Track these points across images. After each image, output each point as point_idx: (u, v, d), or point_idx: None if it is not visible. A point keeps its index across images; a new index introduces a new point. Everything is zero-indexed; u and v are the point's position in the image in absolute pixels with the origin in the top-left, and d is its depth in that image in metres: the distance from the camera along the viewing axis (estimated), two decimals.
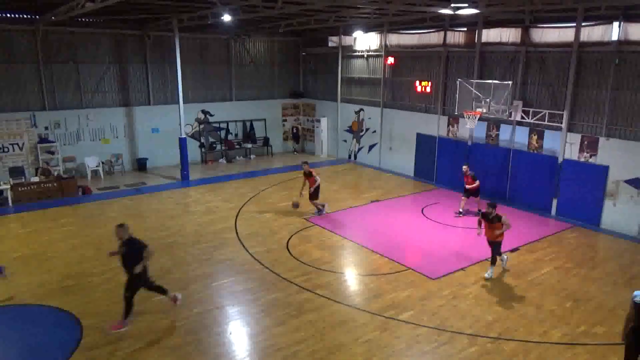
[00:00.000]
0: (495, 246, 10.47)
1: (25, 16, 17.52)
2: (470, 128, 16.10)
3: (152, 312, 9.06)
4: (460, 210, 14.76)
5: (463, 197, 14.77)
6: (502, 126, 16.20)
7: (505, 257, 10.99)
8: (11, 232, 13.43)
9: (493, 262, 10.57)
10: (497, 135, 16.44)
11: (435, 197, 16.75)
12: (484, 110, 14.73)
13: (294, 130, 25.42)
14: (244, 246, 12.32)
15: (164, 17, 17.73)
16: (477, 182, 14.51)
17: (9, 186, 15.93)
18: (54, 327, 8.66)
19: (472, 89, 15.11)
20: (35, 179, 16.69)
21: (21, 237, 12.98)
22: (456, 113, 16.33)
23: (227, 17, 14.45)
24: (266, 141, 24.45)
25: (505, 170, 16.24)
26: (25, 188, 16.17)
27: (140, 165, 20.62)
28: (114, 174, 19.96)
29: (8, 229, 13.63)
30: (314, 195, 14.52)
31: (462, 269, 10.96)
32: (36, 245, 12.40)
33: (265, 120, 24.42)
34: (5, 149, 17.73)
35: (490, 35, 16.35)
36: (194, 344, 8.09)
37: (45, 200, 16.02)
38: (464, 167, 14.89)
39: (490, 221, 10.31)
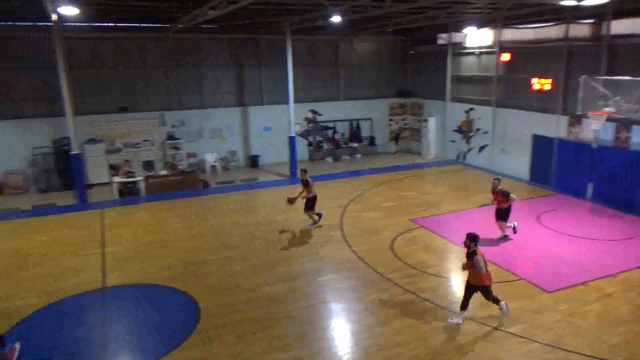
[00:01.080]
0: (485, 292, 8.56)
1: (156, 25, 19.47)
2: (595, 129, 14.71)
3: (263, 301, 9.60)
4: (505, 234, 12.52)
5: (498, 223, 12.38)
6: (635, 127, 14.55)
7: (503, 305, 8.79)
8: (143, 219, 15.06)
9: (495, 302, 8.69)
10: (628, 137, 14.80)
11: (553, 204, 15.57)
12: (613, 110, 13.33)
13: (399, 131, 25.19)
14: (348, 244, 12.53)
15: (276, 21, 18.59)
16: (511, 200, 12.11)
17: (142, 178, 17.89)
18: (176, 308, 9.57)
19: (598, 86, 13.77)
20: (164, 172, 18.57)
21: (151, 224, 14.50)
22: (579, 113, 14.96)
23: (336, 18, 14.76)
24: (372, 141, 24.53)
25: (637, 176, 14.57)
26: (155, 180, 18.03)
27: (253, 161, 21.87)
28: (230, 170, 21.42)
29: (141, 216, 15.30)
30: (308, 206, 13.70)
31: (582, 283, 10.08)
32: (163, 232, 13.78)
33: (371, 119, 24.51)
34: (140, 145, 19.89)
35: (621, 26, 14.75)
36: (298, 336, 8.43)
37: (171, 192, 17.70)
38: (495, 180, 12.46)
39: (467, 256, 8.54)
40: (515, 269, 10.81)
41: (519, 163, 18.80)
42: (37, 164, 18.23)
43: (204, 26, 19.53)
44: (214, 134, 21.28)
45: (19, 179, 18.05)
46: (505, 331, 8.41)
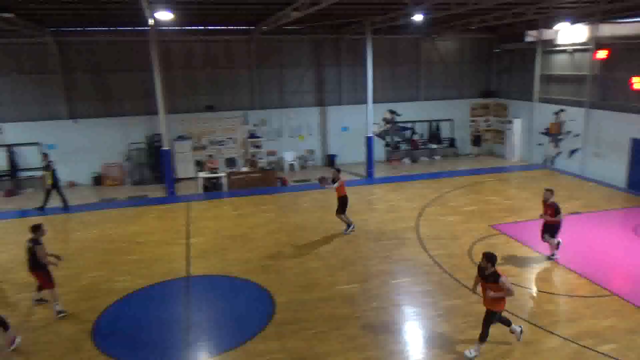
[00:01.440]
0: (488, 315, 7.68)
1: (241, 28, 20.26)
2: None
3: (337, 300, 9.70)
4: (555, 252, 11.26)
5: (546, 239, 11.16)
6: None
7: (518, 328, 8.06)
8: (225, 213, 15.79)
9: (481, 338, 7.75)
10: None
11: None
12: None
13: (477, 132, 24.26)
14: (424, 248, 12.31)
15: (357, 21, 18.62)
16: (560, 218, 10.84)
17: (225, 174, 18.76)
18: (253, 300, 9.93)
19: None
20: (245, 169, 19.33)
21: (232, 219, 15.16)
22: None
23: (418, 17, 14.50)
24: (452, 142, 23.84)
25: None
26: (237, 177, 18.82)
27: (330, 161, 22.10)
28: (307, 168, 21.83)
29: (223, 211, 16.06)
30: (340, 209, 13.40)
31: None
32: (243, 227, 14.36)
33: (452, 120, 23.82)
34: (223, 142, 20.85)
35: None
36: (370, 337, 8.42)
37: (251, 188, 18.39)
38: (547, 191, 10.93)
39: (485, 279, 7.64)
40: (608, 284, 10.02)
41: (615, 169, 17.38)
42: (132, 158, 19.76)
43: (286, 27, 20.06)
44: (293, 133, 21.80)
45: (117, 171, 19.68)
46: (594, 350, 7.84)
